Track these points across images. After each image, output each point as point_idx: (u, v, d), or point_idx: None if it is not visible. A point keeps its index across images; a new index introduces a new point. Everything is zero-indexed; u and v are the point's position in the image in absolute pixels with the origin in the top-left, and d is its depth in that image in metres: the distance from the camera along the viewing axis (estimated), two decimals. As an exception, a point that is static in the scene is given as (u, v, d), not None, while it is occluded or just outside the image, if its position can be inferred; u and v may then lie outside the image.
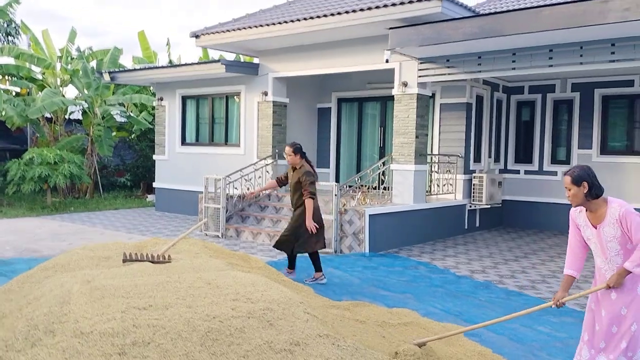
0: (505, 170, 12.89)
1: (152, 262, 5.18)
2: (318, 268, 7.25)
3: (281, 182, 7.46)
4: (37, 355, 3.37)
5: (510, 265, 8.61)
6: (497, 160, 12.67)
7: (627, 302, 3.64)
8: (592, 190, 3.63)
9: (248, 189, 11.30)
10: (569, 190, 3.69)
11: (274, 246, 7.36)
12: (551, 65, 8.62)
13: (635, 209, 3.69)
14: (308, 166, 7.08)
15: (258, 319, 3.95)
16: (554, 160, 12.37)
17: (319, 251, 7.30)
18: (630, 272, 3.54)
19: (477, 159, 11.84)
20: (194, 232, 10.62)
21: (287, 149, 7.08)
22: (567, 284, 3.88)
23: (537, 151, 12.59)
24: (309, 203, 6.91)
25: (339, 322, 5.12)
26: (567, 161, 12.15)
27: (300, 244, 7.11)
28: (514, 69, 8.96)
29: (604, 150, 11.72)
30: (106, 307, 3.81)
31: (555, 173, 12.32)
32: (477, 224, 12.07)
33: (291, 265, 7.33)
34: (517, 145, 12.92)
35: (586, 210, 3.77)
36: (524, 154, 12.81)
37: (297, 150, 7.04)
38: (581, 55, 8.36)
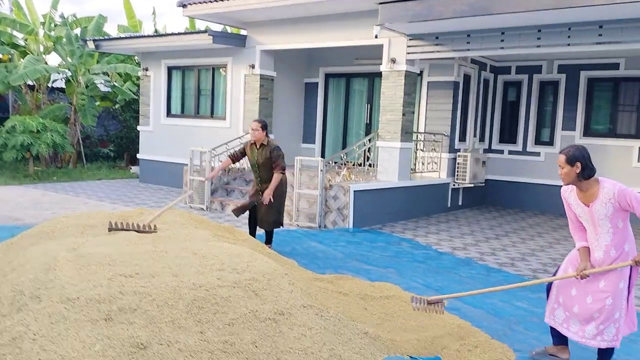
0: (489, 150, 13.01)
1: (138, 231, 5.19)
2: (270, 240, 7.33)
3: (236, 158, 7.38)
4: (23, 319, 3.39)
5: (491, 243, 8.76)
6: (482, 139, 12.77)
7: (607, 277, 3.79)
8: (584, 171, 3.71)
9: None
10: (562, 168, 3.76)
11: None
12: (539, 46, 8.67)
13: None
14: (273, 142, 7.12)
15: (243, 288, 4.01)
16: (538, 141, 12.50)
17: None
18: None
19: (463, 138, 11.93)
20: (179, 204, 10.60)
21: (255, 124, 7.01)
22: (586, 255, 3.90)
23: (521, 132, 12.71)
24: (277, 177, 6.94)
25: (322, 294, 5.20)
26: (550, 142, 12.29)
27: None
28: (502, 48, 8.99)
29: (587, 132, 11.86)
30: (92, 274, 3.83)
31: (538, 154, 12.46)
32: (460, 203, 12.22)
33: (270, 240, 7.36)
34: (502, 126, 13.02)
35: (577, 189, 3.85)
36: (508, 134, 12.92)
37: (265, 126, 7.04)
38: (569, 37, 8.41)
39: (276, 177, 6.93)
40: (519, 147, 12.72)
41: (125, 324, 3.46)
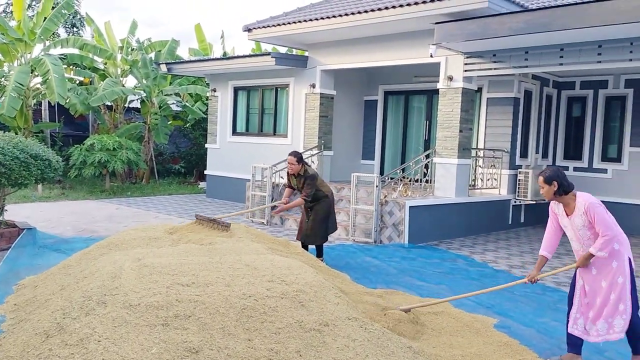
0: (553, 167, 12.69)
1: (216, 221, 6.35)
2: (321, 253, 7.69)
3: (292, 188, 7.84)
4: (90, 322, 3.76)
5: (551, 262, 8.56)
6: (545, 156, 12.51)
7: (605, 276, 4.27)
8: (560, 188, 4.33)
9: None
10: (542, 188, 4.40)
11: (311, 243, 7.69)
12: (600, 62, 8.50)
13: None
14: (311, 170, 7.60)
15: (291, 299, 4.23)
16: (605, 158, 12.10)
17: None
18: (594, 256, 4.21)
19: (524, 155, 11.74)
20: (240, 217, 11.06)
21: (291, 159, 7.54)
22: (541, 264, 4.61)
23: (587, 148, 12.35)
24: (298, 200, 7.52)
25: (370, 307, 5.35)
26: (617, 159, 11.88)
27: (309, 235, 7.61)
28: (561, 64, 8.87)
29: (658, 148, 11.41)
30: (153, 282, 4.17)
31: (605, 170, 12.06)
32: (522, 220, 11.99)
33: (320, 253, 7.66)
34: (567, 142, 12.70)
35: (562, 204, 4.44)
36: (573, 151, 12.59)
37: (300, 159, 7.56)
38: (631, 52, 8.20)
39: (297, 200, 7.56)
40: (584, 163, 12.36)
41: (180, 329, 3.77)
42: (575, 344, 4.53)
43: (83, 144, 14.95)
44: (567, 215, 4.42)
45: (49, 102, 18.16)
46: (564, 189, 4.34)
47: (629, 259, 4.33)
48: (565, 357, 4.59)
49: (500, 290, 6.80)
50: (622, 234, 4.35)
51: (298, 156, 7.56)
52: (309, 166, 7.75)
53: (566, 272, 7.91)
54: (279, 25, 11.81)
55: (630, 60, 8.21)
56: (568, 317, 4.53)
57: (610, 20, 7.52)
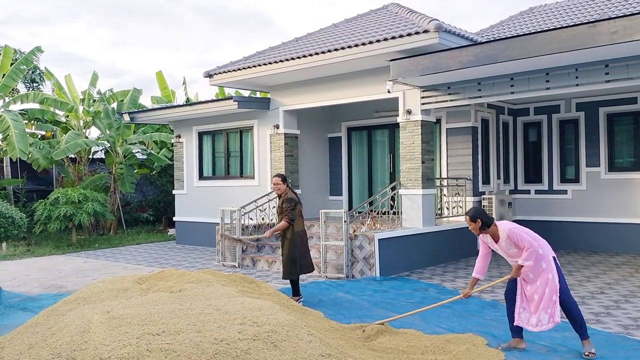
0: (515, 191, 13.06)
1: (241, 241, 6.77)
2: (296, 292, 7.67)
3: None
4: (61, 379, 3.71)
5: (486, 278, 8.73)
6: (506, 181, 12.85)
7: (539, 275, 5.26)
8: (483, 224, 5.28)
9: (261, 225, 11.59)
10: (470, 225, 5.33)
11: (283, 278, 7.77)
12: (548, 88, 8.90)
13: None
14: (291, 193, 7.69)
15: (263, 341, 4.25)
16: (564, 179, 12.52)
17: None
18: (523, 266, 5.20)
19: (486, 181, 12.06)
20: (211, 262, 11.01)
21: (275, 179, 7.72)
22: (473, 283, 5.70)
23: (546, 171, 12.76)
24: (281, 224, 7.54)
25: (344, 343, 5.38)
26: (576, 180, 12.29)
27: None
28: (512, 93, 9.25)
29: (612, 167, 11.85)
30: (123, 334, 4.14)
31: (565, 192, 12.45)
32: (490, 245, 12.20)
33: (295, 292, 7.65)
34: (526, 166, 13.11)
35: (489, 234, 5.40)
36: (533, 174, 12.99)
37: (284, 179, 7.73)
38: (577, 77, 8.63)
39: (280, 224, 7.57)
40: (544, 186, 12.75)
41: (152, 379, 3.74)
42: (517, 330, 5.52)
43: (47, 199, 14.73)
44: (495, 241, 5.36)
45: (11, 159, 17.92)
46: (486, 224, 5.28)
47: (554, 258, 5.32)
48: (512, 342, 5.53)
49: (472, 316, 6.96)
50: (541, 240, 5.33)
51: (282, 176, 7.75)
52: (293, 192, 7.81)
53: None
54: (239, 70, 12.03)
55: (577, 85, 8.62)
56: (513, 311, 5.48)
57: (552, 49, 7.93)
